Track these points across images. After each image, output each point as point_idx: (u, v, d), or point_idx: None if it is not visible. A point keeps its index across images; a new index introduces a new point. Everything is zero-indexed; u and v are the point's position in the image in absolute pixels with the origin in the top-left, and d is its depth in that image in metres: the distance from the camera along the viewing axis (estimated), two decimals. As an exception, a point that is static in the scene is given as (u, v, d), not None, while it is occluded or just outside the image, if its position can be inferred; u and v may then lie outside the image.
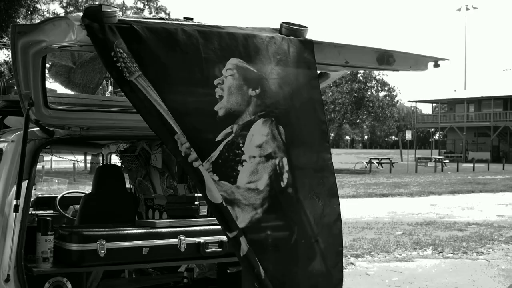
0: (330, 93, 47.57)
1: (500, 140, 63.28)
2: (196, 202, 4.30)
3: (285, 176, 3.19)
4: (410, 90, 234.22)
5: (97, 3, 3.33)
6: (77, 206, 5.18)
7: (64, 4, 38.04)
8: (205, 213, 4.30)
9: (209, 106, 3.01)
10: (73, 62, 4.62)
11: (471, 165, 46.34)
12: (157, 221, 4.18)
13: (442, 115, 69.99)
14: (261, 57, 3.17)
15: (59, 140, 4.07)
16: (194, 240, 4.00)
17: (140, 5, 42.05)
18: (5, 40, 27.02)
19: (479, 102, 64.90)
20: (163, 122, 2.88)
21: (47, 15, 33.36)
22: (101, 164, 6.19)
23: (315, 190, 3.32)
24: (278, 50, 3.24)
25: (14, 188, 3.64)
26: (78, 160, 7.75)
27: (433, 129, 76.21)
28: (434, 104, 76.14)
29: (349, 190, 24.54)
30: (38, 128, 3.93)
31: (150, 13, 40.90)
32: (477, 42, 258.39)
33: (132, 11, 41.03)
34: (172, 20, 3.10)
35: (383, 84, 55.76)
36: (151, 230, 3.97)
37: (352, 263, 10.24)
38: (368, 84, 51.40)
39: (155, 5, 42.15)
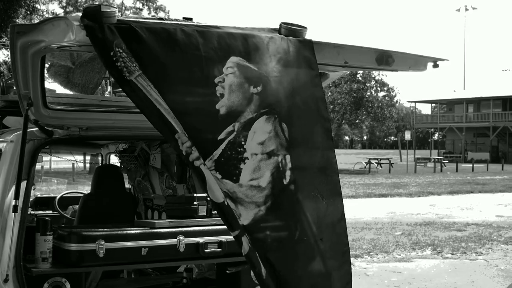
0: (330, 94, 47.54)
1: (499, 140, 63.26)
2: (195, 203, 4.29)
3: (288, 173, 3.17)
4: (410, 90, 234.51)
5: (96, 3, 3.32)
6: (76, 206, 5.17)
7: (63, 4, 38.05)
8: (204, 214, 4.30)
9: (210, 104, 3.00)
10: (72, 62, 4.62)
11: (470, 165, 46.31)
12: (156, 221, 4.17)
13: (441, 115, 70.00)
14: (261, 55, 3.16)
15: (58, 140, 4.07)
16: (193, 240, 4.00)
17: (139, 5, 42.07)
18: (4, 40, 26.99)
19: (478, 102, 64.88)
20: (164, 122, 2.88)
21: (46, 15, 33.35)
22: (100, 164, 6.19)
23: (318, 189, 3.28)
24: (278, 49, 3.23)
25: (13, 188, 3.63)
26: (77, 160, 7.76)
27: (432, 130, 76.21)
28: (433, 105, 76.08)
29: (348, 190, 24.50)
30: (37, 128, 3.92)
31: (149, 13, 40.89)
32: (476, 42, 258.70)
33: (131, 11, 41.01)
34: (171, 20, 3.10)
35: (382, 84, 55.92)
36: (150, 230, 3.96)
37: (351, 263, 10.22)
38: (368, 84, 51.47)
39: (154, 5, 42.13)
